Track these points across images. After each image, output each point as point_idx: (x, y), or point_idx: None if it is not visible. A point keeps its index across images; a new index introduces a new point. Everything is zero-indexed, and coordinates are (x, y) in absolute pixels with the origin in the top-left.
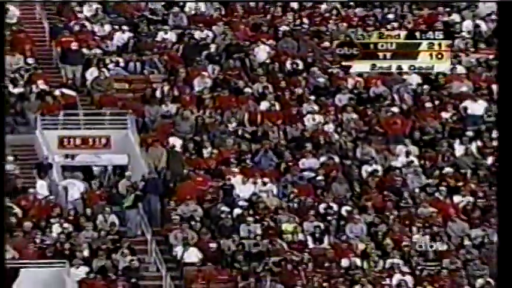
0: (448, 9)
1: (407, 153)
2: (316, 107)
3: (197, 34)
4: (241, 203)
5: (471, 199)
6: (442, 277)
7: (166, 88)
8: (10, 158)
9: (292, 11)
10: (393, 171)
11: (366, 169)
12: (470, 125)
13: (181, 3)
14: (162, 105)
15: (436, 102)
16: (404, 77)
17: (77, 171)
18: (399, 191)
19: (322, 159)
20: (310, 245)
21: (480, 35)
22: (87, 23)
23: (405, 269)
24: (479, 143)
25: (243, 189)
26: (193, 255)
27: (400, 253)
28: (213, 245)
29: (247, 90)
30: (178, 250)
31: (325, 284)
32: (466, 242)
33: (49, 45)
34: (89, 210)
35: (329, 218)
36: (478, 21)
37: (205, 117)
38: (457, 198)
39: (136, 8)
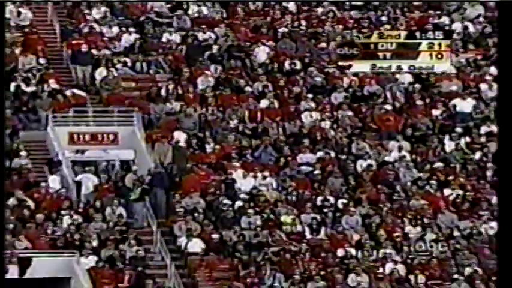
0: (438, 12)
1: (400, 149)
2: (313, 105)
3: (200, 36)
4: (242, 196)
5: (460, 192)
6: (432, 266)
7: (171, 87)
8: (23, 154)
9: (290, 13)
10: (386, 165)
11: (361, 164)
12: (459, 121)
13: (185, 6)
14: (167, 103)
15: (427, 100)
16: (397, 76)
17: (86, 166)
18: (392, 184)
19: (319, 154)
20: (308, 235)
21: (469, 36)
22: (96, 25)
23: (397, 258)
24: (467, 139)
25: (244, 182)
26: (196, 245)
27: (393, 243)
28: (215, 235)
29: (248, 88)
30: (182, 241)
31: (321, 273)
32: (455, 233)
33: (60, 46)
34: (98, 203)
35: (325, 210)
36: (466, 23)
37: (208, 115)
38: (447, 191)
39: (143, 11)
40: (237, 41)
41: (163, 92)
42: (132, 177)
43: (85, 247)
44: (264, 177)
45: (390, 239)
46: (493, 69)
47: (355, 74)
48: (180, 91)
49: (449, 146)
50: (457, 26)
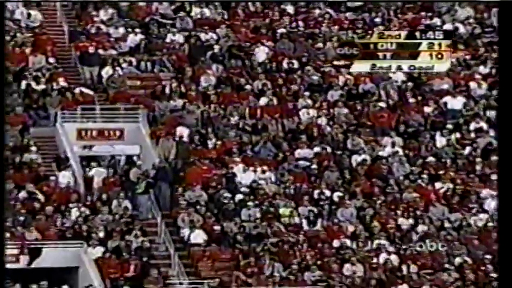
0: (429, 13)
1: (393, 144)
2: (310, 102)
3: (202, 36)
4: (242, 189)
5: (451, 186)
6: (424, 256)
7: (174, 85)
8: (33, 149)
9: (288, 15)
10: (380, 160)
11: (356, 158)
12: (449, 118)
13: (188, 8)
14: (171, 101)
15: (419, 98)
16: (390, 74)
17: (93, 160)
18: (385, 178)
19: (316, 149)
20: (305, 227)
21: (459, 37)
22: (103, 26)
23: (391, 249)
24: (458, 135)
25: (244, 176)
26: (199, 236)
27: (386, 234)
28: (216, 227)
29: (248, 87)
30: (185, 232)
31: (318, 262)
32: (446, 225)
33: (68, 47)
34: (104, 196)
35: (322, 203)
36: (457, 24)
37: (209, 112)
38: (438, 185)
39: (148, 13)
40: (237, 41)
41: (167, 90)
42: (136, 171)
43: (92, 238)
44: (264, 172)
45: (384, 230)
46: (482, 68)
47: (350, 73)
48: (183, 89)
49: (440, 141)
50: (448, 27)
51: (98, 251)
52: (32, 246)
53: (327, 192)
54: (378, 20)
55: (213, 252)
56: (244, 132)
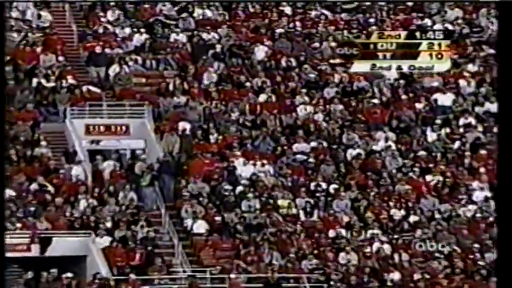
0: (420, 14)
1: (386, 139)
2: (307, 99)
3: (204, 36)
4: (242, 181)
5: (441, 178)
6: (415, 245)
7: (177, 82)
8: (43, 143)
9: (286, 16)
10: (374, 154)
11: (350, 152)
12: (440, 114)
13: (191, 9)
14: (174, 97)
15: (411, 95)
16: (383, 72)
17: (100, 154)
18: (379, 171)
19: (313, 144)
20: (302, 217)
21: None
22: (110, 27)
23: (383, 238)
24: (447, 130)
25: (244, 169)
26: (201, 226)
27: (379, 225)
28: (218, 218)
29: (248, 84)
30: (188, 222)
31: (315, 251)
32: (437, 215)
33: (77, 46)
34: (111, 188)
35: (318, 194)
36: (446, 25)
37: (211, 108)
38: (428, 178)
39: (152, 13)
40: (238, 40)
41: (170, 87)
42: (142, 165)
43: (100, 228)
44: (263, 165)
45: (377, 220)
46: (471, 67)
47: (346, 71)
48: (186, 86)
49: (430, 136)
50: (438, 27)
51: (105, 241)
52: (43, 235)
53: (323, 185)
54: (371, 20)
55: (214, 241)
56: (244, 128)
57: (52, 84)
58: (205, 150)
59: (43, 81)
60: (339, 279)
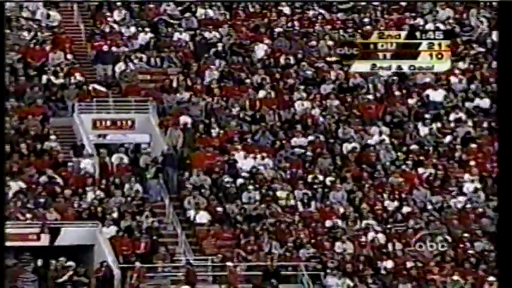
0: (413, 14)
1: (380, 133)
2: (304, 95)
3: (206, 35)
4: (243, 174)
5: (433, 171)
6: (408, 235)
7: (181, 79)
8: (52, 137)
9: (285, 15)
10: (368, 148)
11: (346, 146)
12: (431, 109)
13: (194, 9)
14: (178, 94)
15: (404, 91)
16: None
17: (107, 148)
18: (373, 164)
19: (310, 138)
20: (300, 208)
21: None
22: (116, 26)
23: (378, 228)
24: (439, 125)
25: (245, 162)
26: (203, 217)
27: (374, 215)
28: (219, 208)
29: (248, 81)
30: (191, 213)
31: (312, 241)
32: (428, 206)
33: (85, 44)
34: (117, 180)
35: (315, 186)
36: (438, 24)
37: (213, 103)
38: (421, 170)
39: (157, 13)
40: (238, 39)
41: (174, 84)
42: (146, 158)
43: (107, 218)
44: (262, 158)
45: (371, 211)
46: (461, 64)
47: (341, 68)
48: (189, 83)
49: (422, 130)
50: (430, 27)
51: (112, 230)
52: (52, 226)
53: (320, 177)
54: (366, 20)
55: (216, 231)
56: (244, 122)
57: (61, 80)
58: (207, 144)
59: (52, 78)
60: (335, 267)
